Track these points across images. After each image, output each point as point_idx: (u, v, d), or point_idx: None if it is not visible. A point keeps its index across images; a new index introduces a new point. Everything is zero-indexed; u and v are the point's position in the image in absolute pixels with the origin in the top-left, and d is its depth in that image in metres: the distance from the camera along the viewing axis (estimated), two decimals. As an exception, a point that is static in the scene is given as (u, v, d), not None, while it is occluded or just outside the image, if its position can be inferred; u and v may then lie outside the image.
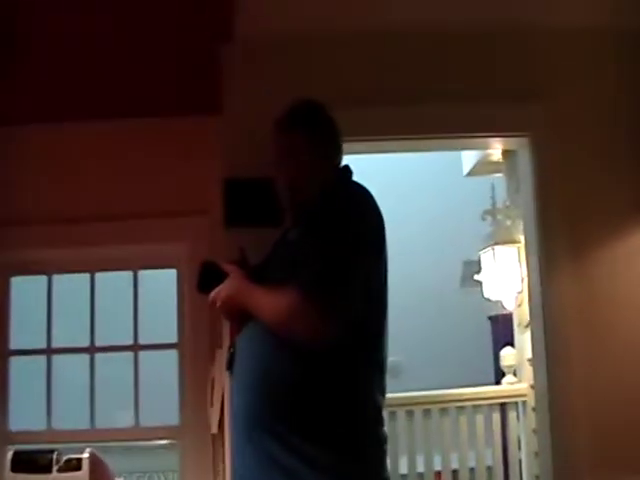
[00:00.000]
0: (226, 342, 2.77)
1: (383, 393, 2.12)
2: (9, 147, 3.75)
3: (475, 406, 4.12)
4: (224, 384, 2.95)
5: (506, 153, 4.66)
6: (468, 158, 5.61)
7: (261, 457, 2.00)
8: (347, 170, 2.31)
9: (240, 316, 2.14)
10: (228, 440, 2.82)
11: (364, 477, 1.99)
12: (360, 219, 2.08)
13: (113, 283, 4.07)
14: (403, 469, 4.08)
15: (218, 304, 2.19)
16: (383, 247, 2.12)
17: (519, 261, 4.68)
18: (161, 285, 3.99)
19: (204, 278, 2.25)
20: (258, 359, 2.06)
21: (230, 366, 2.18)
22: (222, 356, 2.97)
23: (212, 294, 2.20)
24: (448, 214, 6.59)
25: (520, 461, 4.32)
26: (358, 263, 2.03)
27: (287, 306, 1.97)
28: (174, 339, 3.84)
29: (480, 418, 4.10)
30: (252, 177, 2.94)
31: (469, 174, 5.71)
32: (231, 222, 3.06)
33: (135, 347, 3.91)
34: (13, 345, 3.94)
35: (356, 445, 2.00)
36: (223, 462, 3.01)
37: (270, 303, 2.04)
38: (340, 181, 2.24)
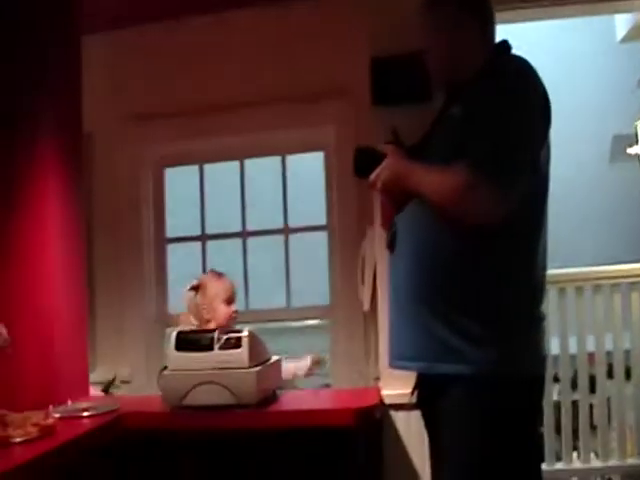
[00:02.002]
0: (378, 221, 2.74)
1: (544, 270, 2.04)
2: (165, 41, 3.81)
3: (632, 284, 3.91)
4: (376, 261, 2.94)
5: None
6: (622, 22, 5.20)
7: (419, 331, 1.99)
8: (506, 44, 2.14)
9: (400, 196, 2.09)
10: (381, 317, 2.84)
11: (524, 355, 1.95)
12: (526, 93, 1.94)
13: (262, 169, 4.10)
14: (555, 349, 3.97)
15: (379, 186, 2.12)
16: (550, 121, 2.00)
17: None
18: (309, 169, 3.98)
19: (361, 162, 2.18)
20: (420, 237, 2.02)
21: (391, 245, 2.14)
22: (373, 234, 2.96)
23: (372, 176, 2.13)
24: (598, 85, 6.20)
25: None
26: (528, 138, 1.92)
27: (456, 185, 1.90)
28: (323, 221, 3.85)
29: (636, 297, 3.91)
30: (400, 54, 2.84)
31: (623, 40, 5.30)
32: (380, 101, 2.96)
33: (285, 230, 3.96)
34: (170, 233, 4.08)
35: (516, 323, 1.95)
36: (376, 339, 3.02)
37: (436, 182, 1.96)
38: (500, 55, 2.09)
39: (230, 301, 3.22)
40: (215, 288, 3.21)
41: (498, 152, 1.89)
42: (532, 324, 2.01)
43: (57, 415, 2.35)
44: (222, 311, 3.18)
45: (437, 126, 2.15)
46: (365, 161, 2.16)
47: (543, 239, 2.02)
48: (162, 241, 4.04)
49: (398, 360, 2.09)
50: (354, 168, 2.19)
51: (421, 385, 2.14)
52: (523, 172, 1.92)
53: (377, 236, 2.86)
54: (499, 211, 1.90)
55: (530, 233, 2.00)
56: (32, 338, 2.63)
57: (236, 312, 3.23)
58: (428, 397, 2.09)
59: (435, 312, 1.97)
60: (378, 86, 2.96)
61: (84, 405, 2.59)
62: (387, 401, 2.78)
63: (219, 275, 3.28)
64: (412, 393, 2.17)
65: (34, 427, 2.09)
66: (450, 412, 1.96)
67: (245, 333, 2.49)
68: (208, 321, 3.16)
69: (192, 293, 3.24)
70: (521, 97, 1.93)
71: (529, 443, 1.97)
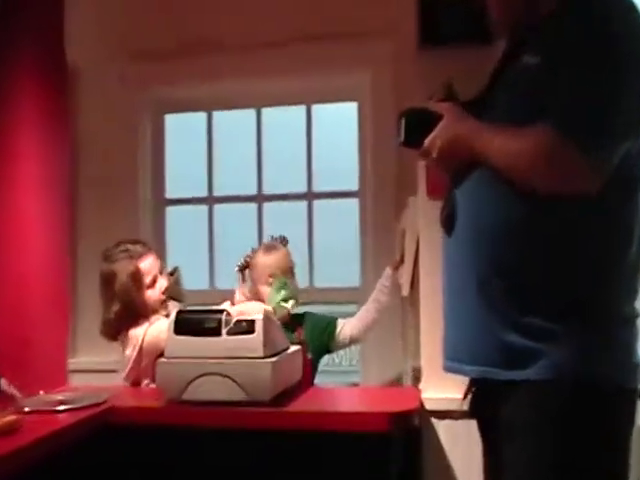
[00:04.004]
0: (423, 188, 2.69)
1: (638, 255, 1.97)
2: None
3: None
4: (419, 237, 2.90)
5: None
6: None
7: (480, 329, 1.94)
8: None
9: (460, 166, 2.03)
10: (424, 305, 2.81)
11: (608, 360, 1.88)
12: (623, 34, 1.86)
13: (283, 121, 4.07)
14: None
15: (434, 154, 2.05)
16: None
17: None
18: (339, 123, 3.97)
19: (410, 128, 2.11)
20: (485, 212, 1.94)
21: (448, 226, 2.08)
22: (416, 204, 2.91)
23: (426, 143, 2.06)
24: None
25: None
26: (628, 95, 1.84)
27: (537, 149, 1.82)
28: (354, 186, 3.83)
29: None
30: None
31: None
32: (428, 42, 2.90)
33: (309, 195, 3.93)
34: (170, 194, 4.06)
35: (600, 320, 1.88)
36: (416, 331, 2.98)
37: (512, 148, 1.89)
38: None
39: (272, 281, 3.14)
40: (261, 266, 3.17)
41: (590, 111, 1.81)
42: (621, 323, 1.94)
43: (26, 409, 2.33)
44: (265, 294, 3.14)
45: (502, 78, 2.07)
46: (415, 126, 2.09)
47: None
48: (161, 203, 4.04)
49: (453, 362, 2.05)
50: (403, 136, 2.11)
51: (476, 390, 2.09)
52: (621, 136, 1.85)
53: (421, 206, 2.82)
54: (591, 184, 1.83)
55: (626, 211, 1.93)
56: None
57: None
58: (485, 404, 2.04)
59: (502, 308, 1.92)
60: (426, 23, 2.90)
61: (60, 397, 2.56)
62: (429, 406, 2.75)
63: (269, 248, 3.23)
64: (464, 398, 2.12)
65: (-11, 424, 2.06)
66: (514, 423, 1.91)
67: (259, 316, 2.45)
68: None
69: (239, 276, 3.21)
70: (614, 40, 1.84)
71: (610, 468, 1.92)
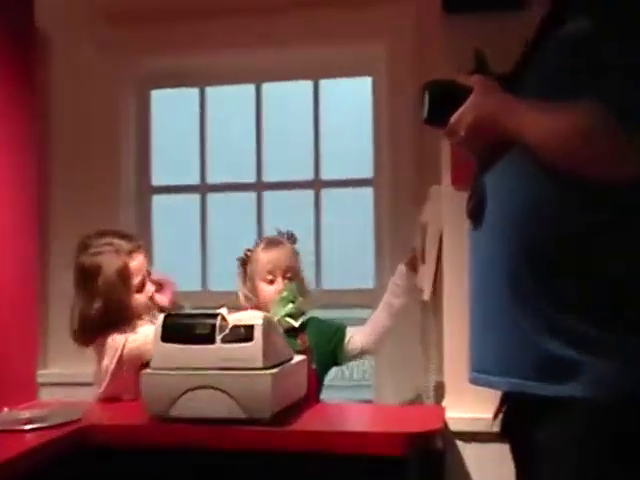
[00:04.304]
0: (448, 176, 2.69)
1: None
2: None
3: None
4: (442, 233, 2.90)
5: None
6: None
7: (514, 336, 1.93)
8: None
9: (490, 148, 2.03)
10: (447, 310, 2.82)
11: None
12: None
13: (286, 99, 4.09)
14: None
15: (462, 132, 2.06)
16: None
17: None
18: (351, 100, 3.99)
19: (435, 102, 2.12)
20: (520, 207, 1.95)
21: (475, 216, 2.09)
22: (439, 194, 2.92)
23: (451, 120, 2.07)
24: None
25: None
26: None
27: (584, 131, 1.83)
28: (368, 173, 3.84)
29: None
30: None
31: None
32: (453, 6, 2.92)
33: (317, 183, 3.93)
34: (156, 181, 4.08)
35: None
36: (438, 339, 2.99)
37: (553, 126, 1.89)
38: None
39: (271, 279, 3.16)
40: (260, 262, 3.18)
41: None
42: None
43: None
44: (262, 292, 3.15)
45: (539, 48, 2.08)
46: (440, 101, 2.09)
47: None
48: (146, 191, 4.05)
49: (480, 373, 2.05)
50: (426, 112, 2.12)
51: (508, 407, 2.09)
52: None
53: (445, 197, 2.83)
54: (636, 165, 1.83)
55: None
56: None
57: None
58: (518, 423, 2.04)
59: (538, 310, 1.91)
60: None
61: (28, 414, 2.57)
62: (453, 427, 2.76)
63: (270, 243, 3.24)
64: (494, 418, 2.13)
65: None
66: (553, 446, 1.92)
67: (259, 321, 2.46)
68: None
69: (241, 272, 3.23)
70: None
71: None
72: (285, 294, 3.06)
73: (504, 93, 2.02)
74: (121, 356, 2.87)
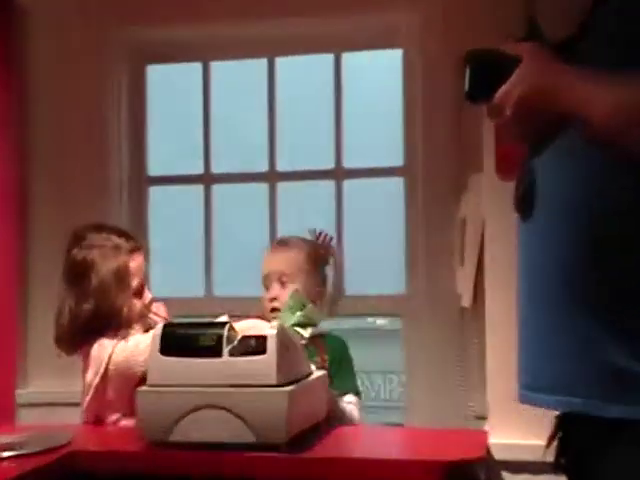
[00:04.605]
0: (492, 165, 2.69)
1: None
2: None
3: None
4: (484, 230, 2.90)
5: None
6: None
7: (573, 348, 1.91)
8: None
9: (543, 127, 2.02)
10: (490, 319, 2.79)
11: None
12: None
13: (303, 75, 4.11)
14: None
15: (509, 110, 2.04)
16: None
17: None
18: (378, 77, 3.99)
19: (476, 77, 2.11)
20: (578, 197, 1.94)
21: (524, 207, 2.08)
22: (480, 186, 2.91)
23: (497, 96, 2.06)
24: None
25: None
26: None
27: None
28: (398, 161, 3.84)
29: None
30: None
31: None
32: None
33: (338, 173, 3.94)
34: (153, 170, 4.10)
35: None
36: (481, 352, 2.99)
37: (619, 102, 1.90)
38: None
39: (266, 284, 3.16)
40: (263, 266, 3.17)
41: None
42: None
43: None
44: (261, 300, 3.16)
45: (602, 12, 2.07)
46: (484, 74, 2.08)
47: None
48: (141, 182, 4.07)
49: (532, 391, 2.03)
50: (467, 88, 2.11)
51: (566, 432, 2.08)
52: None
53: (487, 188, 2.82)
54: None
55: None
56: None
57: (274, 300, 3.15)
58: (579, 452, 2.03)
59: (602, 318, 1.89)
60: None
61: (5, 440, 2.56)
62: (498, 455, 2.73)
63: (277, 244, 3.24)
64: (548, 445, 2.11)
65: None
66: (622, 477, 1.90)
67: (272, 331, 2.45)
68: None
69: None
70: None
71: None
72: (291, 303, 3.05)
73: (560, 63, 2.01)
74: (106, 370, 2.86)
